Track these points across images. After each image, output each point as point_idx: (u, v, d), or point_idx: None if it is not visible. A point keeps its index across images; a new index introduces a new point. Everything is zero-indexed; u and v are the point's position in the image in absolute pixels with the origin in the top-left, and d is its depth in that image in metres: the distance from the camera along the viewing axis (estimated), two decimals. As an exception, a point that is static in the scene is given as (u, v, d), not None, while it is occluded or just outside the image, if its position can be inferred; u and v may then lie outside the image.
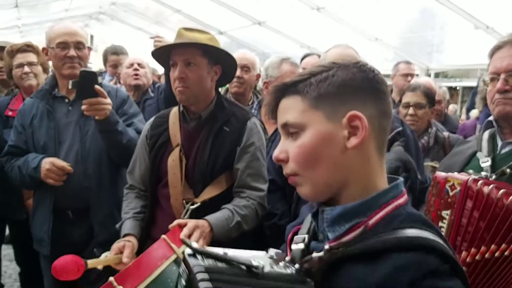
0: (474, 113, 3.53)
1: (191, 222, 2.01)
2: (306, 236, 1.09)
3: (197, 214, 2.11)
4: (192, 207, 2.13)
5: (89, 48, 2.75)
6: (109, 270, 2.01)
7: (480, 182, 1.47)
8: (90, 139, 2.61)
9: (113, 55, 4.61)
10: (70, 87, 2.56)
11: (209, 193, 2.16)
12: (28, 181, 2.65)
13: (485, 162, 1.71)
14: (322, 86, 1.04)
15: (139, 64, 3.84)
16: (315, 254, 1.00)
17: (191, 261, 0.96)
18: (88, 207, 2.64)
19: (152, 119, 2.43)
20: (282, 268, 1.00)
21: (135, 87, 3.77)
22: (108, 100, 2.44)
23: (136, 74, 3.81)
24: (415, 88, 3.12)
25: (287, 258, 1.04)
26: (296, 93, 1.06)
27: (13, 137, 2.76)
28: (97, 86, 2.39)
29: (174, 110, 2.32)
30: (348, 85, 1.03)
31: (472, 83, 8.29)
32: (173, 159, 2.19)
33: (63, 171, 2.56)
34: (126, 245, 2.09)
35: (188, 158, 2.19)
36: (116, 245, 2.10)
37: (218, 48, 2.17)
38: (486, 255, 1.41)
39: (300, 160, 1.04)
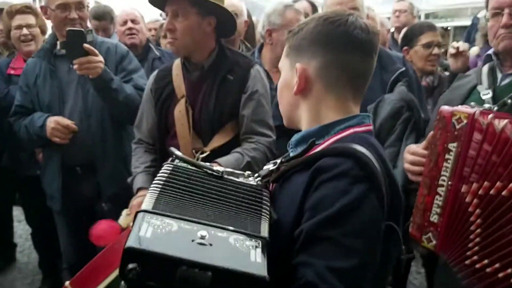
0: (474, 50, 3.48)
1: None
2: (279, 160, 1.24)
3: (207, 162, 2.10)
4: (201, 156, 2.12)
5: (89, 6, 2.66)
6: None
7: (490, 115, 1.43)
8: (92, 97, 2.56)
9: (95, 20, 4.10)
10: (58, 47, 2.52)
11: (217, 141, 2.15)
12: (36, 140, 2.63)
13: (486, 94, 1.70)
14: (293, 39, 1.21)
15: (133, 21, 3.64)
16: (271, 167, 1.21)
17: (166, 162, 1.17)
18: (94, 163, 2.63)
19: (155, 72, 2.38)
20: (248, 180, 1.19)
21: (131, 45, 3.56)
22: (99, 58, 2.37)
23: (131, 33, 3.62)
24: (434, 28, 3.07)
25: (256, 175, 1.22)
26: (286, 42, 1.24)
27: (19, 97, 2.71)
28: (86, 45, 2.32)
29: (177, 62, 2.27)
30: (305, 38, 1.17)
31: (462, 22, 8.19)
32: (180, 110, 2.16)
33: (68, 129, 2.53)
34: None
35: (194, 109, 2.16)
36: (136, 201, 2.11)
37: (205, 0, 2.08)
38: (504, 193, 1.39)
39: (278, 97, 1.29)
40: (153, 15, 4.69)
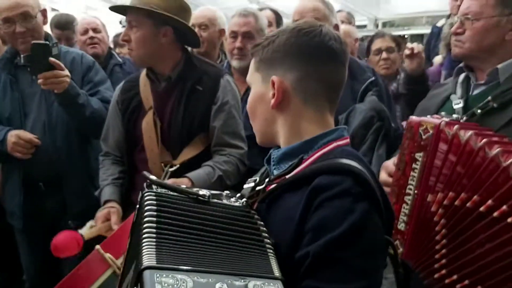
0: (438, 59, 3.56)
1: (170, 180, 1.97)
2: (258, 177, 1.22)
3: (176, 176, 2.04)
4: (171, 169, 2.06)
5: (44, 11, 2.52)
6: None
7: (456, 126, 1.44)
8: (57, 110, 2.46)
9: (57, 29, 3.96)
10: (22, 61, 2.40)
11: (187, 154, 2.09)
12: None
13: (458, 104, 1.69)
14: (263, 51, 1.16)
15: (94, 30, 3.53)
16: (257, 188, 1.11)
17: (146, 191, 1.06)
18: (59, 178, 2.53)
19: (121, 84, 2.31)
20: (232, 202, 1.10)
21: (93, 55, 3.49)
22: (65, 72, 2.27)
23: (93, 42, 3.50)
24: (383, 34, 3.20)
25: (238, 195, 1.14)
26: (252, 56, 1.21)
27: None
28: (51, 59, 2.21)
29: (143, 73, 2.21)
30: (279, 51, 1.14)
31: (418, 30, 8.39)
32: (147, 122, 2.11)
33: (31, 143, 2.43)
34: (111, 211, 2.03)
35: (163, 121, 2.11)
36: (101, 213, 2.04)
37: (154, 11, 2.03)
38: (468, 204, 1.40)
39: (249, 113, 1.23)
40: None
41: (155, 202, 1.02)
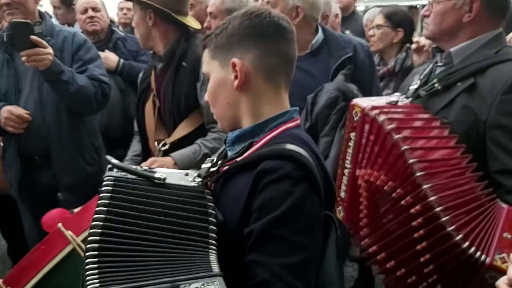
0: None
1: (149, 160, 2.05)
2: (215, 157, 1.29)
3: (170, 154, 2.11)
4: (163, 148, 2.13)
5: None
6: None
7: (375, 111, 1.55)
8: (47, 87, 2.52)
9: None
10: (5, 39, 2.46)
11: (179, 132, 2.14)
12: None
13: (413, 85, 1.73)
14: (217, 39, 1.22)
15: (93, 8, 3.54)
16: (212, 169, 1.21)
17: (107, 173, 1.14)
18: (50, 153, 2.62)
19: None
20: (188, 182, 1.18)
21: (93, 32, 3.50)
22: (48, 50, 2.32)
23: (92, 21, 3.51)
24: (379, 12, 3.16)
25: (195, 174, 1.22)
26: (205, 47, 1.26)
27: None
28: (33, 37, 2.26)
29: None
30: (234, 35, 1.20)
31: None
32: (148, 104, 2.22)
33: (22, 119, 2.51)
34: None
35: (160, 100, 2.19)
36: None
37: None
38: (378, 182, 1.53)
39: (209, 101, 1.27)
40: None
41: (110, 188, 1.10)
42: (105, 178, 1.13)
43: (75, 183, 2.61)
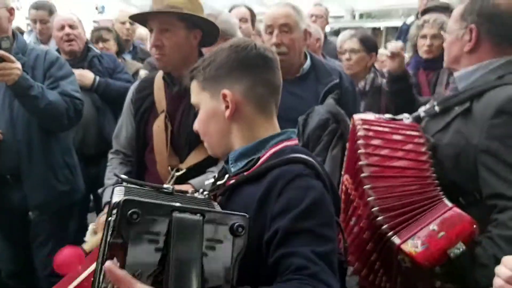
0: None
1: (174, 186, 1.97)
2: (216, 174, 1.38)
3: (183, 180, 2.02)
4: (177, 173, 2.04)
5: (11, 9, 2.51)
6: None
7: (360, 121, 1.63)
8: (18, 105, 2.44)
9: (33, 9, 4.07)
10: None
11: (194, 158, 2.05)
12: None
13: (425, 107, 1.74)
14: (206, 71, 1.27)
15: (70, 26, 3.39)
16: (219, 182, 1.26)
17: (116, 185, 1.17)
18: (21, 171, 2.52)
19: (136, 83, 2.31)
20: (195, 195, 1.22)
21: (70, 52, 3.38)
22: (16, 65, 2.27)
23: (69, 40, 3.37)
24: (352, 36, 3.18)
25: (201, 190, 1.24)
26: (193, 78, 1.30)
27: None
28: (0, 51, 2.24)
29: (159, 75, 2.17)
30: (222, 67, 1.25)
31: (394, 23, 8.44)
32: (159, 125, 2.08)
33: None
34: None
35: (173, 124, 2.08)
36: (102, 219, 2.04)
37: (193, 15, 2.00)
38: (348, 186, 1.63)
39: (200, 132, 1.32)
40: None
41: (123, 190, 1.10)
42: (115, 187, 1.14)
43: (46, 201, 2.54)
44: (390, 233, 1.40)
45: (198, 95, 1.29)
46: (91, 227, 2.07)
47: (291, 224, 1.06)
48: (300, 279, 0.99)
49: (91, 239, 2.01)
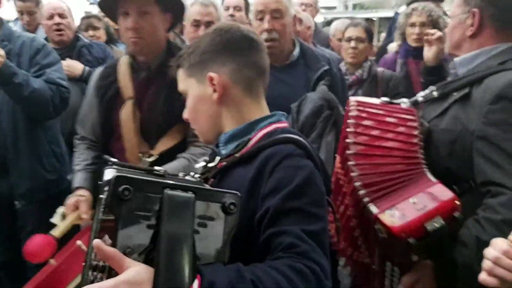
0: (392, 47, 3.58)
1: None
2: (208, 157, 1.37)
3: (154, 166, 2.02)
4: (148, 159, 2.01)
5: None
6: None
7: (355, 103, 1.61)
8: (3, 93, 2.41)
9: (19, 1, 3.88)
10: None
11: (164, 144, 2.04)
12: None
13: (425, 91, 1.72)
14: (191, 57, 1.26)
15: (60, 15, 3.35)
16: (210, 164, 1.26)
17: (107, 167, 1.11)
18: (7, 160, 2.51)
19: (100, 68, 2.26)
20: (187, 177, 1.20)
21: (59, 42, 3.34)
22: None
23: (59, 29, 3.34)
24: (357, 24, 3.18)
25: (192, 173, 1.24)
26: (179, 66, 1.30)
27: None
28: None
29: (123, 60, 2.13)
30: (207, 52, 1.25)
31: (387, 13, 8.42)
32: (126, 113, 2.05)
33: None
34: (80, 200, 2.00)
35: (142, 111, 2.05)
36: (70, 202, 2.02)
37: None
38: (338, 170, 1.64)
39: (190, 119, 1.31)
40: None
41: (114, 170, 1.06)
42: (106, 170, 1.11)
43: (33, 190, 2.52)
44: (370, 204, 1.40)
45: (184, 82, 1.28)
46: (59, 210, 2.04)
47: (281, 203, 1.06)
48: (290, 257, 1.00)
49: (60, 224, 1.99)
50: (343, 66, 3.08)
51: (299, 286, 0.97)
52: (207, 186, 1.15)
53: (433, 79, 2.46)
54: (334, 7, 8.68)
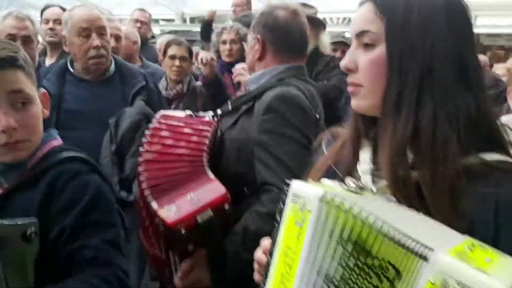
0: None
1: None
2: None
3: None
4: None
5: None
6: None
7: (159, 116, 1.77)
8: None
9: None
10: None
11: None
12: None
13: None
14: None
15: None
16: None
17: None
18: None
19: None
20: None
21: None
22: None
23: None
24: (180, 43, 3.36)
25: None
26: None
27: None
28: None
29: None
30: None
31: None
32: None
33: None
34: None
35: None
36: None
37: None
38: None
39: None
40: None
41: None
42: None
43: None
44: (152, 202, 1.52)
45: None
46: None
47: (76, 220, 1.13)
48: (95, 268, 1.09)
49: None
50: (163, 81, 3.25)
51: None
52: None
53: (214, 89, 2.95)
54: (173, 20, 8.82)
